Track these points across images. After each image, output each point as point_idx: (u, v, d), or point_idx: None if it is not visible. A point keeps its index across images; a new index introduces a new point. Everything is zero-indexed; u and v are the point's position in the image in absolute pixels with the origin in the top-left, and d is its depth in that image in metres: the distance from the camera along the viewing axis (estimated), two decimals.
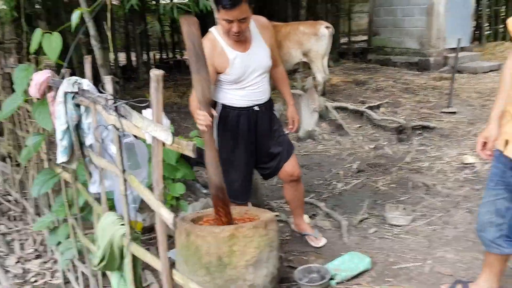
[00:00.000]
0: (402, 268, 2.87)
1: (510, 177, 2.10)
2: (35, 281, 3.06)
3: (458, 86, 7.51)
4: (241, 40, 2.61)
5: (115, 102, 1.43)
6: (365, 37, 11.32)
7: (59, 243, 2.68)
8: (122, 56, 10.59)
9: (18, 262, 3.31)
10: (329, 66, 9.01)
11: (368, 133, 5.78)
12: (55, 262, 3.22)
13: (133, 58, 9.61)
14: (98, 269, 1.66)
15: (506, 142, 2.05)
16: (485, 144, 2.21)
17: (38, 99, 2.35)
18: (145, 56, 9.49)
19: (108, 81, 1.46)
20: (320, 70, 6.52)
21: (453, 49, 8.23)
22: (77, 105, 1.81)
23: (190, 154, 1.18)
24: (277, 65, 2.98)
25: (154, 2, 10.04)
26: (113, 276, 1.74)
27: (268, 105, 2.88)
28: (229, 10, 2.41)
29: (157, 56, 10.90)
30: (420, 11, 9.00)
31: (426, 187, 4.17)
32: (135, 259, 1.58)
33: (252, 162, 2.94)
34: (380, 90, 7.40)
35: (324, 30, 6.59)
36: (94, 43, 4.18)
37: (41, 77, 2.13)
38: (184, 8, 4.67)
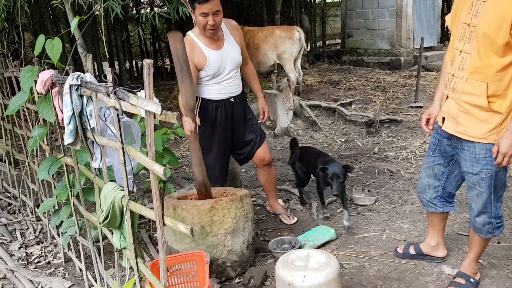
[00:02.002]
0: (363, 237, 3.29)
1: (446, 145, 2.49)
2: (38, 262, 3.40)
3: (426, 83, 8.01)
4: (215, 38, 3.02)
5: (114, 88, 1.82)
6: (339, 40, 11.83)
7: (61, 223, 3.04)
8: (105, 65, 10.90)
9: (20, 247, 3.64)
10: (305, 68, 9.49)
11: (340, 128, 6.22)
12: (55, 246, 3.56)
13: (116, 66, 9.93)
14: (102, 225, 2.03)
15: (443, 119, 2.45)
16: (428, 120, 2.62)
17: (41, 95, 2.71)
18: (127, 64, 9.82)
19: (108, 71, 1.84)
20: (293, 70, 6.93)
21: (424, 48, 8.79)
22: (80, 96, 2.18)
23: (175, 121, 1.58)
24: (246, 63, 3.39)
25: (135, 12, 10.41)
26: (114, 235, 2.11)
27: (242, 97, 3.29)
28: (204, 4, 2.81)
29: (140, 64, 11.23)
30: (389, 13, 9.52)
31: (390, 172, 4.61)
32: (133, 216, 1.96)
33: (229, 148, 3.34)
34: (353, 89, 7.86)
35: (297, 33, 7.03)
36: (80, 50, 4.54)
37: (46, 75, 2.50)
38: (164, 16, 5.04)
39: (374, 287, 2.67)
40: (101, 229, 2.44)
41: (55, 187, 3.09)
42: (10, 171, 4.55)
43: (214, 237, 2.71)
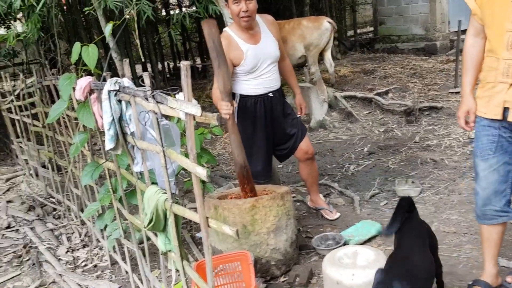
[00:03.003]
0: None
1: (509, 138, 2.17)
2: (85, 265, 3.46)
3: None
4: (251, 32, 2.99)
5: (152, 92, 1.80)
6: (371, 28, 11.58)
7: (105, 227, 3.08)
8: (138, 68, 11.06)
9: (67, 251, 3.72)
10: (336, 59, 9.31)
11: (377, 118, 6.07)
12: (101, 249, 3.62)
13: (149, 68, 10.05)
14: (147, 229, 2.03)
15: (504, 110, 2.09)
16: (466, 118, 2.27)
17: (79, 102, 2.75)
18: (160, 66, 9.91)
19: (146, 76, 1.83)
20: (316, 63, 6.78)
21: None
22: (119, 101, 2.18)
23: (215, 122, 1.54)
24: (284, 59, 3.34)
25: (164, 13, 10.48)
26: (159, 238, 2.11)
27: (280, 92, 3.24)
28: None
29: (171, 65, 11.33)
30: None
31: (434, 162, 4.46)
32: (176, 218, 1.95)
33: (270, 144, 3.30)
34: (388, 77, 7.66)
35: (326, 24, 6.88)
36: (114, 55, 4.60)
37: (84, 82, 2.52)
38: (194, 16, 5.04)
39: None
40: (145, 232, 2.45)
41: (98, 192, 3.14)
42: (53, 177, 4.66)
43: (256, 236, 2.68)
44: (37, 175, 5.35)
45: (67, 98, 2.70)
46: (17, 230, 4.25)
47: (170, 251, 2.09)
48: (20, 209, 4.67)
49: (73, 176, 3.99)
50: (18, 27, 7.77)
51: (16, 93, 5.06)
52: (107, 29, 2.56)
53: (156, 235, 2.25)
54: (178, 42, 11.15)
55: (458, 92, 6.48)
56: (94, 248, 3.68)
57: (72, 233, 4.05)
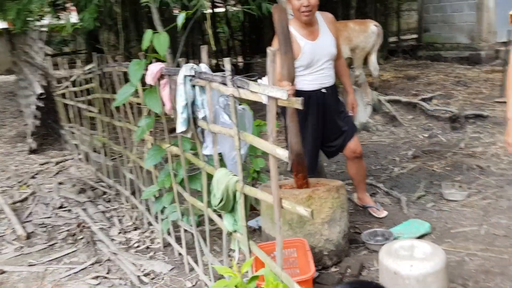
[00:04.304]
0: (459, 231, 3.20)
1: None
2: (138, 246, 3.61)
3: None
4: (310, 29, 3.07)
5: (233, 77, 1.91)
6: (414, 35, 11.49)
7: (163, 209, 3.21)
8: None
9: (119, 232, 3.88)
10: (379, 64, 9.29)
11: (421, 123, 6.06)
12: (152, 232, 3.76)
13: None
14: (217, 208, 2.14)
15: None
16: None
17: (146, 88, 2.89)
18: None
19: (227, 62, 1.94)
20: (361, 67, 6.80)
21: (504, 43, 8.33)
22: (192, 86, 2.31)
23: (299, 107, 1.64)
24: (339, 58, 3.41)
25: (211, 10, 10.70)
26: (225, 219, 2.21)
27: (334, 89, 3.31)
28: None
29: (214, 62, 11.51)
30: (469, 6, 9.12)
31: (480, 168, 4.43)
32: (245, 200, 2.05)
33: (319, 139, 3.37)
34: (432, 84, 7.62)
35: (373, 27, 6.90)
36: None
37: (155, 67, 2.66)
38: (249, 12, 5.16)
39: (476, 281, 2.60)
40: (207, 214, 2.56)
41: (156, 176, 3.27)
42: (105, 161, 4.85)
43: (311, 226, 2.76)
44: (87, 159, 5.57)
45: (135, 83, 2.84)
46: (69, 211, 4.44)
47: (235, 231, 2.19)
48: (72, 191, 4.88)
49: (128, 161, 4.15)
50: (73, 18, 8.09)
51: (72, 79, 5.29)
52: (180, 18, 2.68)
53: (220, 216, 2.35)
54: (222, 39, 11.33)
55: (504, 102, 6.39)
56: (145, 231, 3.83)
57: (123, 216, 4.21)
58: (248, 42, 11.71)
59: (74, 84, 5.25)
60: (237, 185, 2.04)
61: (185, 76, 2.26)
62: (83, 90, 5.00)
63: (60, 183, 5.16)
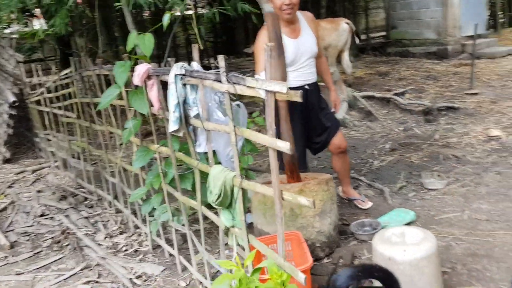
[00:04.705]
0: (443, 218, 3.31)
1: None
2: (126, 250, 3.58)
3: (478, 70, 7.86)
4: (292, 27, 3.12)
5: (227, 74, 1.93)
6: (381, 33, 11.74)
7: (151, 211, 3.20)
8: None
9: (106, 237, 3.83)
10: (350, 61, 9.46)
11: (396, 117, 6.21)
12: (140, 235, 3.73)
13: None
14: (215, 205, 2.15)
15: None
16: None
17: (128, 90, 2.88)
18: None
19: (221, 58, 1.96)
20: (334, 64, 6.91)
21: (470, 37, 8.64)
22: (183, 85, 2.32)
23: (299, 99, 1.68)
24: (320, 56, 3.48)
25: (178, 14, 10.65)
26: (223, 214, 2.23)
27: (316, 85, 3.37)
28: None
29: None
30: (435, 2, 9.39)
31: (456, 158, 4.59)
32: (243, 194, 2.07)
33: (306, 135, 3.42)
34: (403, 79, 7.82)
35: (344, 25, 7.03)
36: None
37: (142, 68, 2.65)
38: (224, 13, 5.18)
39: (464, 264, 2.70)
40: (201, 212, 2.57)
41: (143, 178, 3.26)
42: (85, 167, 4.78)
43: (303, 219, 2.80)
44: (65, 166, 5.47)
45: (122, 84, 2.83)
46: (51, 218, 4.36)
47: (233, 226, 2.22)
48: (52, 199, 4.79)
49: (109, 165, 4.11)
50: (40, 25, 7.92)
51: (47, 85, 5.19)
52: (165, 19, 2.69)
53: (216, 214, 2.37)
54: (194, 41, 11.28)
55: (474, 93, 6.63)
56: (132, 235, 3.79)
57: (108, 221, 4.16)
58: (220, 44, 11.71)
59: (49, 90, 5.16)
60: (235, 180, 2.06)
61: (176, 75, 2.27)
62: (59, 95, 4.91)
63: (39, 191, 5.05)
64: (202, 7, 10.11)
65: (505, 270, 2.61)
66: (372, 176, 4.43)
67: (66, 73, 4.64)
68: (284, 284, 1.79)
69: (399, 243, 2.33)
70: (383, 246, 2.33)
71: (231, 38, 11.12)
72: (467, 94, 6.64)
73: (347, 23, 6.98)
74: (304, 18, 3.26)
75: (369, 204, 3.67)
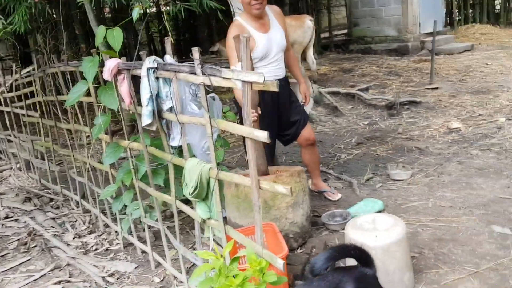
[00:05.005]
0: (409, 206, 3.43)
1: None
2: (96, 249, 3.52)
3: (437, 66, 8.14)
4: (261, 21, 3.16)
5: (202, 66, 1.95)
6: (344, 30, 11.97)
7: (122, 208, 3.17)
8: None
9: (74, 238, 3.76)
10: (314, 58, 9.60)
11: (361, 112, 6.36)
12: (110, 234, 3.68)
13: None
14: (191, 196, 2.16)
15: None
16: None
17: (97, 86, 2.85)
18: None
19: (195, 51, 1.97)
20: (299, 60, 6.98)
21: (429, 34, 8.92)
22: (156, 78, 2.31)
23: (275, 89, 1.71)
24: (289, 49, 3.53)
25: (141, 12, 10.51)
26: (199, 206, 2.24)
27: (286, 80, 3.42)
28: None
29: None
30: (395, 0, 9.66)
31: (419, 149, 4.75)
32: (220, 185, 2.09)
33: (276, 129, 3.47)
34: (366, 75, 8.00)
35: (309, 22, 7.13)
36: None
37: (112, 63, 2.62)
38: (189, 9, 5.14)
39: (431, 248, 2.81)
40: (175, 206, 2.57)
41: (113, 176, 3.22)
42: (50, 167, 4.67)
43: (276, 211, 2.84)
44: (28, 168, 5.32)
45: (91, 79, 2.78)
46: (16, 220, 4.24)
47: (209, 218, 2.23)
48: (16, 200, 4.66)
49: (77, 164, 4.03)
50: None
51: (8, 84, 5.03)
52: (135, 13, 2.67)
53: (192, 208, 2.38)
54: (155, 40, 11.18)
55: (434, 88, 6.87)
56: (102, 234, 3.74)
57: (76, 221, 4.08)
58: (183, 41, 11.64)
59: (10, 89, 5.00)
60: (211, 171, 2.08)
61: (149, 69, 2.26)
62: (21, 94, 4.77)
63: (1, 194, 4.90)
64: (165, 4, 10.00)
65: (468, 252, 2.73)
66: (340, 169, 4.52)
67: (28, 71, 4.51)
68: (263, 271, 1.82)
69: (371, 229, 2.40)
70: (355, 232, 2.39)
71: (194, 36, 11.05)
72: (428, 88, 6.87)
73: (311, 20, 7.08)
74: (272, 12, 3.30)
75: (338, 196, 3.75)
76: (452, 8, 12.09)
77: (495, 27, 11.53)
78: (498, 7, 13.08)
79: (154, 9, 9.92)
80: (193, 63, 2.01)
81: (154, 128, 2.43)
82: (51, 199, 4.64)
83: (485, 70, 7.66)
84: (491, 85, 6.73)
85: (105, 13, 9.57)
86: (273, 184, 1.83)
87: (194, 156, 2.32)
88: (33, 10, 5.86)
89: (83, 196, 4.10)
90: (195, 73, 2.00)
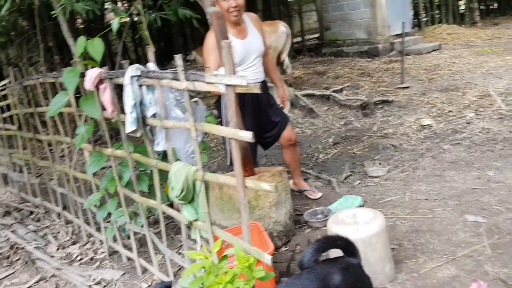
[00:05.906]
0: (387, 201, 3.56)
1: None
2: (81, 259, 3.53)
3: (407, 66, 8.37)
4: (239, 28, 3.24)
5: (186, 72, 2.02)
6: (316, 34, 12.17)
7: (107, 216, 3.19)
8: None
9: (58, 249, 3.75)
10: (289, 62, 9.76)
11: (336, 113, 6.50)
12: (93, 243, 3.69)
13: None
14: (178, 199, 2.21)
15: None
16: None
17: (78, 96, 2.88)
18: None
19: (178, 58, 2.04)
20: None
21: (398, 35, 9.19)
22: (140, 86, 2.36)
23: (257, 91, 1.79)
24: (267, 54, 3.63)
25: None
26: (185, 209, 2.29)
27: (264, 84, 3.51)
28: None
29: None
30: (364, 3, 9.88)
31: (394, 147, 4.90)
32: (206, 187, 2.16)
33: (257, 133, 3.55)
34: (339, 77, 8.17)
35: (282, 27, 7.27)
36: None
37: (94, 72, 2.66)
38: (165, 17, 5.21)
39: (409, 239, 2.93)
40: (161, 211, 2.62)
41: (96, 184, 3.24)
42: (29, 180, 4.64)
43: (260, 210, 2.92)
44: (6, 182, 5.26)
45: (73, 90, 2.81)
46: None
47: (196, 220, 2.29)
48: None
49: (57, 176, 4.02)
50: None
51: None
52: (115, 24, 2.72)
53: (178, 210, 2.43)
54: (129, 49, 11.14)
55: (405, 87, 7.08)
56: (86, 243, 3.74)
57: (58, 232, 4.07)
58: (158, 50, 11.63)
59: None
60: (197, 174, 2.14)
61: (132, 77, 2.31)
62: None
63: None
64: (137, 14, 10.01)
65: (445, 241, 2.86)
66: (319, 168, 4.63)
67: (4, 84, 4.48)
68: (251, 267, 1.89)
69: (352, 223, 2.50)
70: (337, 227, 2.49)
71: (169, 45, 11.08)
72: (399, 88, 7.07)
73: (284, 26, 7.22)
74: (249, 19, 3.39)
75: (319, 194, 3.86)
76: (418, 10, 12.45)
77: (461, 27, 11.91)
78: (462, 7, 13.51)
79: (128, 19, 9.90)
80: (176, 70, 2.07)
81: (138, 135, 2.48)
82: (31, 212, 4.61)
83: (452, 69, 7.92)
84: (459, 82, 6.96)
85: (77, 24, 9.53)
86: (258, 182, 1.91)
87: (178, 160, 2.38)
88: (3, 23, 5.84)
89: (65, 207, 4.09)
90: (178, 79, 2.06)
